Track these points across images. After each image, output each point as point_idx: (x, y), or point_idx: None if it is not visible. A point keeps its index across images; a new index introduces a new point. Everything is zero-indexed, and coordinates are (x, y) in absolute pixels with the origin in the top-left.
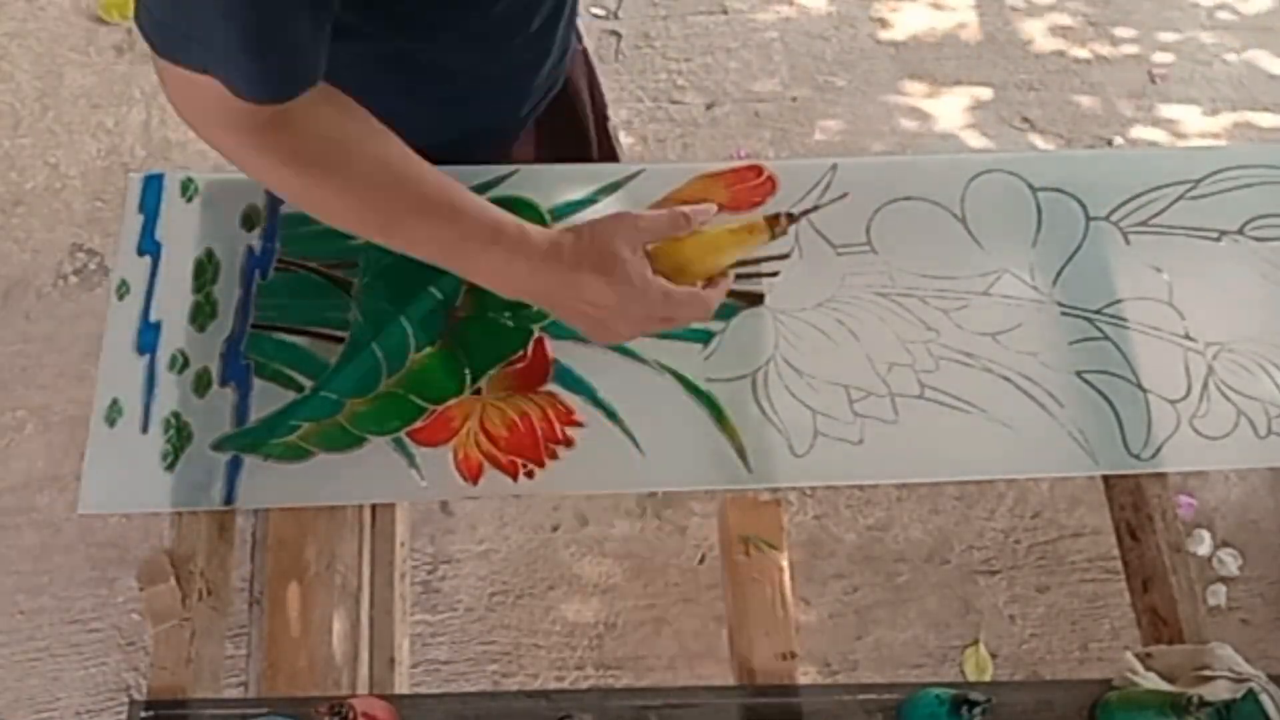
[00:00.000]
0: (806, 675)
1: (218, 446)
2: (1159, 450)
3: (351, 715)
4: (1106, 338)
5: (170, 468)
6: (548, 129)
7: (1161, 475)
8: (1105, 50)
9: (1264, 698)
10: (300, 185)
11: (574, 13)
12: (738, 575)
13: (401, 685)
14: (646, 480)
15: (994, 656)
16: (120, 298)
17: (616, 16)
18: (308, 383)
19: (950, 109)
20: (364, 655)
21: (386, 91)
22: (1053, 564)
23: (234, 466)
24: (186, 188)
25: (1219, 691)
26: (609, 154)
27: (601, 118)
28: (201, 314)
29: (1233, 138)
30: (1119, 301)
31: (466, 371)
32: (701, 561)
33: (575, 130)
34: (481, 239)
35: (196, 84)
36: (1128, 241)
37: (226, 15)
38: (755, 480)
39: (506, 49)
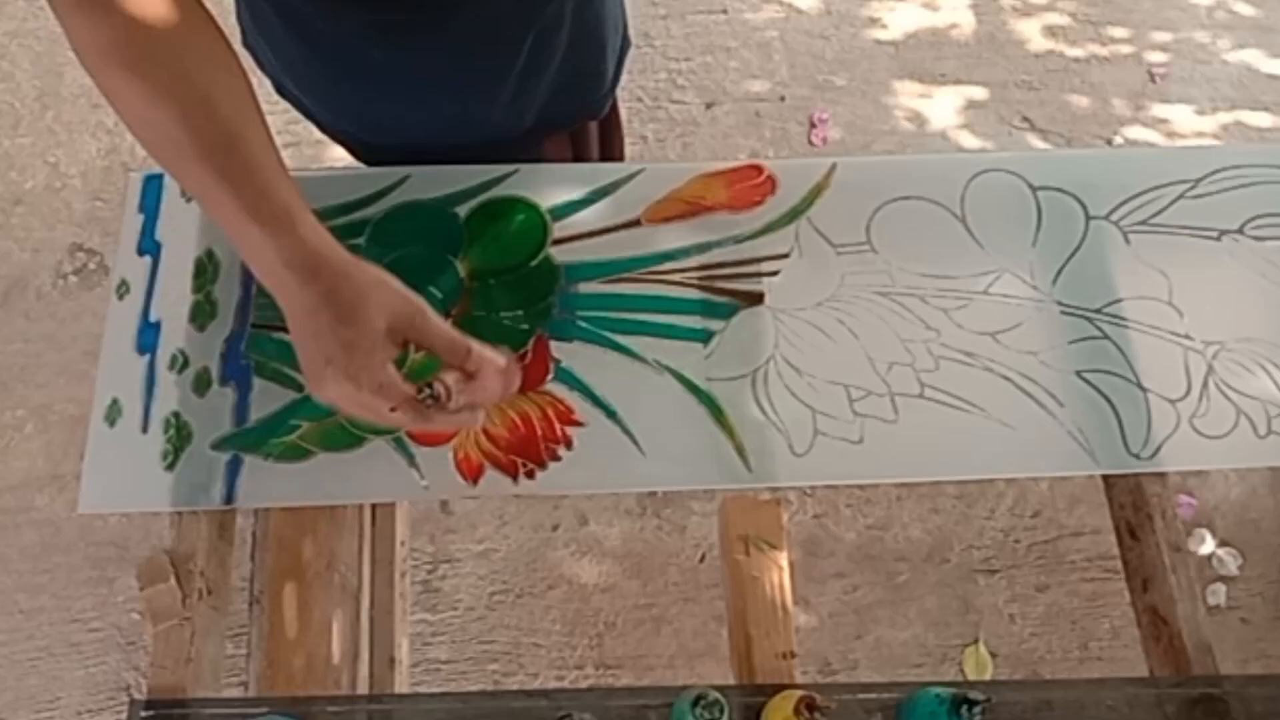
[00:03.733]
0: (806, 675)
1: (218, 446)
2: (1159, 449)
3: (443, 391)
4: (1106, 337)
5: (170, 467)
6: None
7: (1161, 475)
8: (1105, 50)
9: None
10: (111, 80)
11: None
12: (737, 574)
13: (401, 685)
14: (646, 480)
15: (994, 656)
16: (120, 297)
17: None
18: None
19: (950, 108)
20: (364, 654)
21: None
22: (1052, 563)
23: (234, 466)
24: None
25: None
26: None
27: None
28: (201, 313)
29: (1232, 137)
30: (1119, 301)
31: None
32: (701, 561)
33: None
34: (250, 211)
35: None
36: (1128, 241)
37: None
38: (755, 479)
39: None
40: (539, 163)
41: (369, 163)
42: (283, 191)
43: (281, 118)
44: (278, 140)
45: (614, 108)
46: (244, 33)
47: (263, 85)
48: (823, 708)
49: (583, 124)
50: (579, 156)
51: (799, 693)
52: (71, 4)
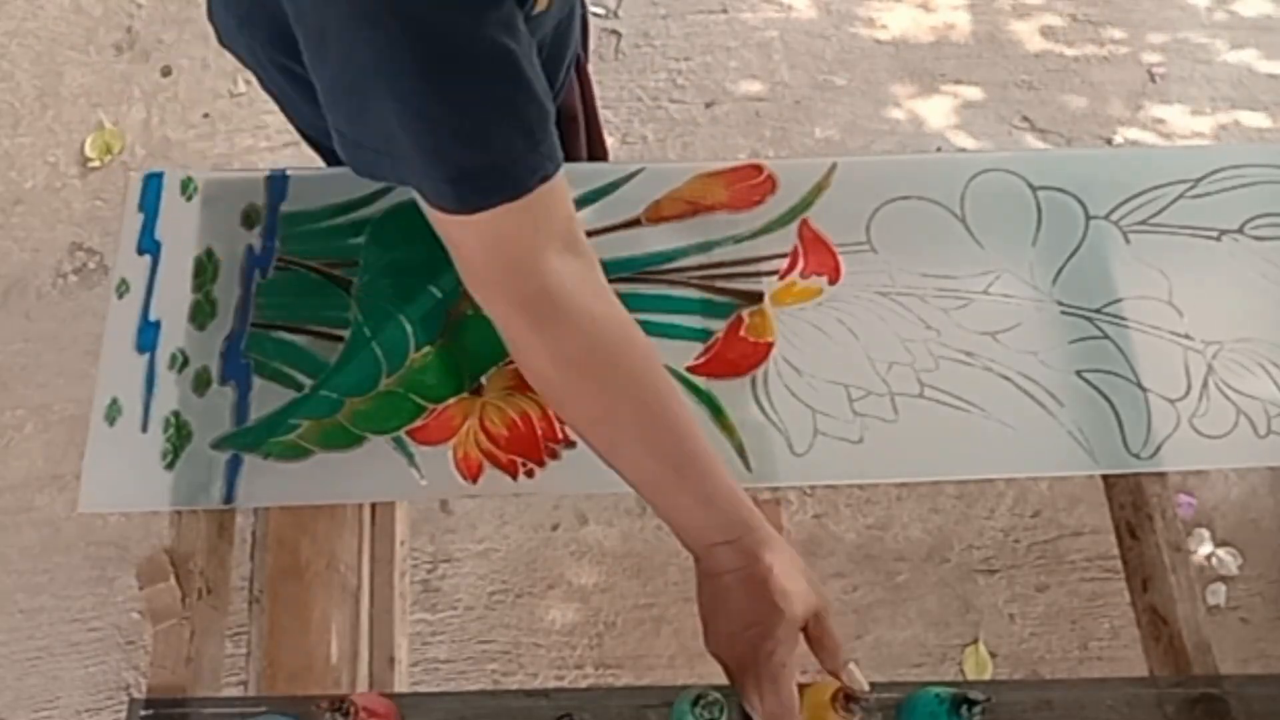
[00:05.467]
0: (805, 674)
1: (217, 445)
2: (1159, 449)
3: (353, 711)
4: (1106, 337)
5: (170, 466)
6: None
7: (1161, 474)
8: (1104, 50)
9: None
10: (562, 381)
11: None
12: None
13: (401, 684)
14: None
15: (993, 655)
16: (120, 296)
17: (616, 15)
18: (307, 381)
19: (950, 108)
20: (363, 654)
21: None
22: (1052, 563)
23: (234, 465)
24: (186, 186)
25: None
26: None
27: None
28: (201, 313)
29: (1232, 137)
30: (1119, 300)
31: (466, 370)
32: None
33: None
34: (704, 501)
35: (461, 232)
36: (1127, 240)
37: (404, 122)
38: (755, 479)
39: None
40: None
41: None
42: (730, 488)
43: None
44: (278, 136)
45: (591, 104)
46: (222, 31)
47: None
48: (860, 698)
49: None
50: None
51: (835, 684)
52: (532, 323)
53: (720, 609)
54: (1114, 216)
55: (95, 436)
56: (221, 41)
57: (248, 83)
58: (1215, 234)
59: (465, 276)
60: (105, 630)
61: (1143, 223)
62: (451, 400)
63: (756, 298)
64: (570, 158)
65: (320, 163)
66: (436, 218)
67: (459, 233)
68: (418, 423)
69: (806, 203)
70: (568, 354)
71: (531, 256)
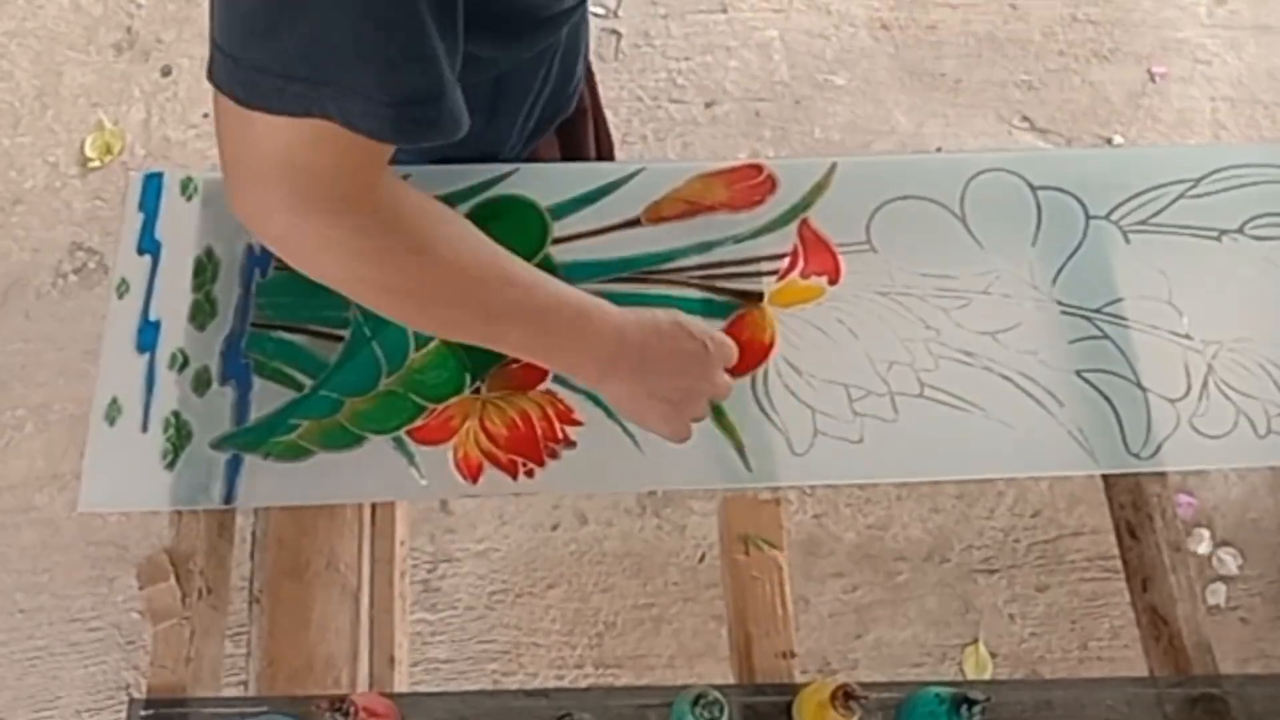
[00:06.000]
0: (806, 674)
1: (217, 445)
2: (1159, 449)
3: (353, 711)
4: (1106, 336)
5: (170, 466)
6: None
7: (1161, 474)
8: (1105, 49)
9: None
10: (404, 268)
11: (577, 48)
12: (737, 574)
13: (401, 684)
14: (646, 479)
15: (994, 655)
16: (120, 296)
17: (616, 15)
18: (307, 381)
19: (950, 107)
20: (364, 654)
21: None
22: (1052, 563)
23: (234, 465)
24: (186, 186)
25: None
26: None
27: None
28: (201, 313)
29: (1232, 137)
30: (1119, 300)
31: (466, 370)
32: (701, 560)
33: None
34: (577, 307)
35: (295, 138)
36: (1127, 240)
37: (356, 41)
38: (755, 479)
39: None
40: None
41: None
42: (569, 294)
43: None
44: None
45: (595, 98)
46: None
47: None
48: (860, 697)
49: (563, 123)
50: (573, 153)
51: (833, 682)
52: (353, 225)
53: (642, 409)
54: (1114, 216)
55: (95, 436)
56: None
57: None
58: (1215, 234)
59: (300, 194)
60: (105, 630)
61: (1143, 223)
62: (451, 400)
63: (756, 298)
64: (579, 155)
65: None
66: (277, 145)
67: (341, 151)
68: (418, 423)
69: (806, 203)
70: (419, 246)
71: (382, 180)
